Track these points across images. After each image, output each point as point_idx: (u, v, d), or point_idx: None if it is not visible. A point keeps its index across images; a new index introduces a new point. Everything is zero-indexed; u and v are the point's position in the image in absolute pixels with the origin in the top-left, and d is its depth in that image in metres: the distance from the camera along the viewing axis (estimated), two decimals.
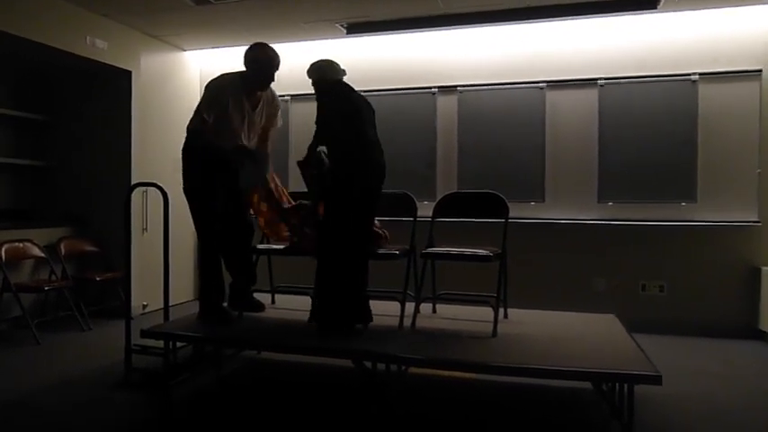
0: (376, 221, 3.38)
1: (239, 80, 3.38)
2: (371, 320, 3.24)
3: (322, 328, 3.16)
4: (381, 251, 3.36)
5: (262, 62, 3.36)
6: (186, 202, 3.44)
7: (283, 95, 3.43)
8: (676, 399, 3.17)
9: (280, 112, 3.69)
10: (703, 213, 4.72)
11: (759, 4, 4.54)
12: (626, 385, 2.59)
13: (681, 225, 4.74)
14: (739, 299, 4.65)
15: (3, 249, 4.41)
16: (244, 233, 3.58)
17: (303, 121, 5.26)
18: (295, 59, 5.69)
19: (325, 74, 3.32)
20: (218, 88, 3.36)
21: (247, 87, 3.38)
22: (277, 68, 3.40)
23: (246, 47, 3.44)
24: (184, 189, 3.43)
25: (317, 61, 3.39)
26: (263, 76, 3.37)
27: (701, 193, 4.71)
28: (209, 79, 3.45)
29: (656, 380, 2.44)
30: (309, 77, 3.38)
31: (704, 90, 4.71)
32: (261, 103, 3.50)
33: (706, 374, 3.68)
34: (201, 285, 3.58)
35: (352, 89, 3.31)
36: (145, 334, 3.23)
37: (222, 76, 3.44)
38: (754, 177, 4.61)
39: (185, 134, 3.41)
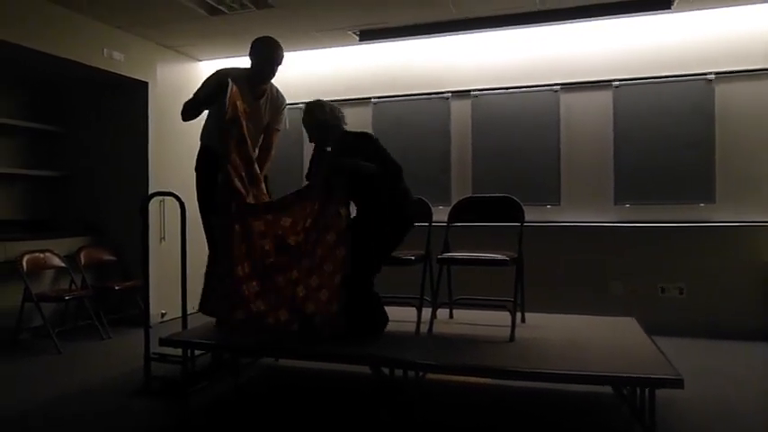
0: None
1: (242, 73, 3.45)
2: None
3: (351, 335, 3.11)
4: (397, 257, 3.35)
5: (264, 53, 3.44)
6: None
7: (296, 104, 3.46)
8: (697, 402, 3.12)
9: (285, 112, 3.72)
10: (722, 214, 4.66)
11: None
12: (647, 389, 2.55)
13: (699, 226, 4.67)
14: (761, 301, 4.56)
15: (24, 260, 4.47)
16: None
17: None
18: (308, 67, 5.76)
19: (341, 121, 3.29)
20: (217, 74, 3.46)
21: (251, 79, 3.46)
22: (280, 61, 3.47)
23: None
24: (197, 197, 3.52)
25: (327, 103, 3.29)
26: (266, 67, 3.45)
27: (719, 194, 4.64)
28: None
29: (677, 383, 2.41)
30: (319, 119, 3.26)
31: (721, 89, 4.66)
32: (265, 96, 3.56)
33: (727, 377, 3.62)
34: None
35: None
36: (163, 342, 3.26)
37: (221, 69, 3.55)
38: None
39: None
